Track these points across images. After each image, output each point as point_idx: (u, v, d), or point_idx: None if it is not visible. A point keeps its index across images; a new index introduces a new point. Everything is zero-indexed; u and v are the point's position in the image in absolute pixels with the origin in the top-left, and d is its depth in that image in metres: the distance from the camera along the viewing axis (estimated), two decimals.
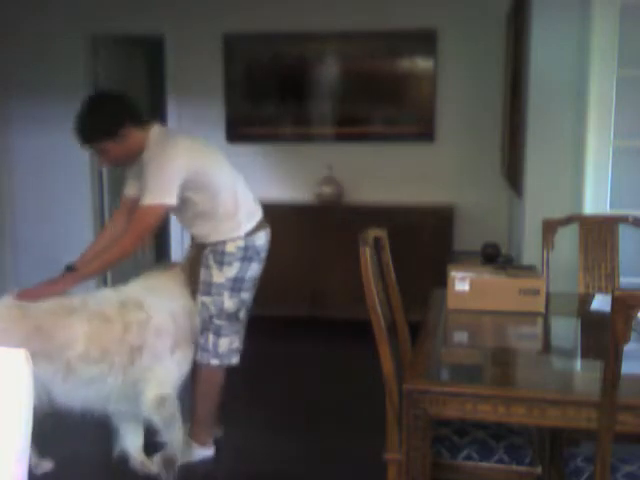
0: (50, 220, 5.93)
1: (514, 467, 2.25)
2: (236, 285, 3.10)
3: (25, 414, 1.36)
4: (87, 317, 2.83)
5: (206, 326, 3.13)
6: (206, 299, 3.11)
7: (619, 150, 3.61)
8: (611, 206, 3.59)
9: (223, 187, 3.07)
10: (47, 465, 3.07)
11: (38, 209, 5.96)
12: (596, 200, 3.59)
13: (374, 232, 2.51)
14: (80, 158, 5.81)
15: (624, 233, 3.26)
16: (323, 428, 3.62)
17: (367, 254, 2.26)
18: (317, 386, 4.26)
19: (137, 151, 3.00)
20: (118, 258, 2.94)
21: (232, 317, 3.13)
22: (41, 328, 2.74)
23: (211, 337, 3.13)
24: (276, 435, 3.53)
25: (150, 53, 6.50)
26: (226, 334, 3.13)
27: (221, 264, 3.08)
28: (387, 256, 2.66)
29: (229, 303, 3.10)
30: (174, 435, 3.01)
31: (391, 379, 2.25)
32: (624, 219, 3.24)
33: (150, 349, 2.89)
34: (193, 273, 3.17)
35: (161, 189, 2.88)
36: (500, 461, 2.26)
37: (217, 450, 3.30)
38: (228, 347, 3.15)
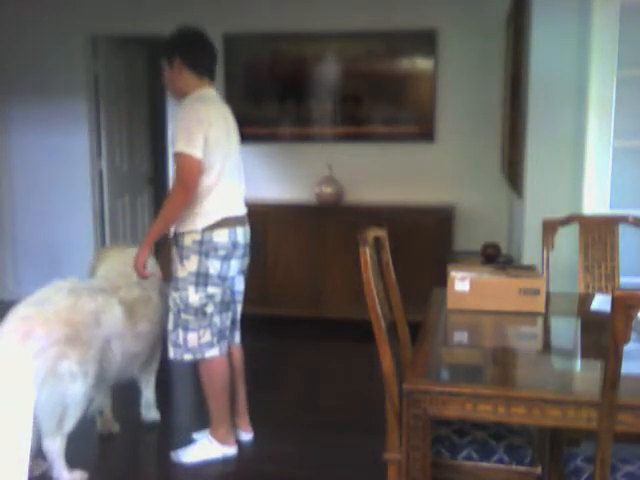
0: (50, 220, 5.94)
1: (514, 467, 2.26)
2: (200, 280, 3.10)
3: (27, 413, 1.36)
4: (135, 299, 3.26)
5: (176, 321, 3.17)
6: (174, 294, 3.16)
7: (619, 150, 3.60)
8: (611, 206, 3.59)
9: (208, 172, 3.07)
10: (44, 465, 3.08)
11: (38, 209, 5.96)
12: (596, 200, 3.59)
13: (374, 232, 2.51)
14: (80, 158, 5.83)
15: (624, 233, 3.26)
16: (323, 428, 3.62)
17: (367, 254, 2.26)
18: (317, 386, 4.26)
19: (180, 90, 3.20)
20: (171, 212, 3.04)
21: (198, 312, 3.13)
22: (132, 310, 3.21)
23: (180, 332, 3.16)
24: (274, 434, 3.53)
25: (150, 53, 6.50)
26: (194, 329, 3.14)
27: (181, 258, 3.12)
28: (387, 256, 2.66)
29: (194, 298, 3.11)
30: (151, 385, 3.57)
31: (391, 379, 2.25)
32: (624, 219, 3.24)
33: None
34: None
35: (188, 139, 2.98)
36: (500, 461, 2.26)
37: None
38: (197, 342, 3.16)
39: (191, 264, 3.09)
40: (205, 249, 3.08)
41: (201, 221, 3.08)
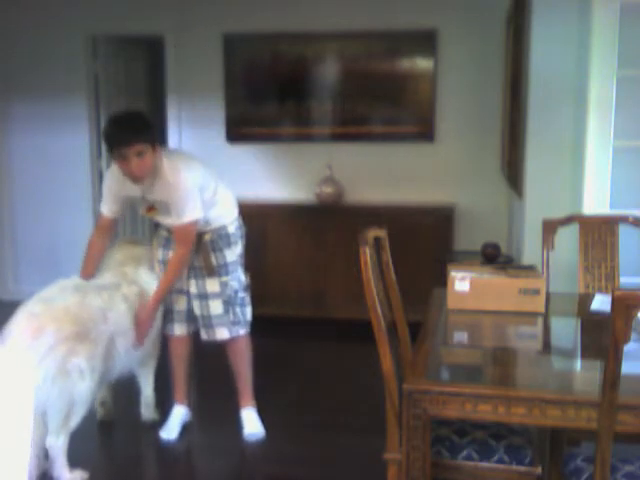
0: (50, 220, 5.94)
1: (514, 467, 2.26)
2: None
3: (27, 414, 1.36)
4: (135, 296, 3.26)
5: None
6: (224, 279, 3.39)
7: (619, 150, 3.60)
8: (611, 206, 3.59)
9: (216, 185, 3.36)
10: (45, 464, 3.07)
11: (38, 209, 5.96)
12: (596, 200, 3.59)
13: (374, 232, 2.51)
14: (80, 158, 5.83)
15: (624, 233, 3.26)
16: (323, 428, 3.62)
17: (367, 254, 2.26)
18: (317, 386, 4.26)
19: (150, 171, 3.12)
20: (178, 273, 3.30)
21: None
22: (133, 307, 3.22)
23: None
24: (274, 434, 3.53)
25: (150, 53, 6.51)
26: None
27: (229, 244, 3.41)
28: (387, 256, 2.66)
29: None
30: (150, 383, 3.58)
31: (391, 379, 2.25)
32: (624, 219, 3.25)
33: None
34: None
35: (193, 208, 3.17)
36: (500, 461, 2.26)
37: (213, 447, 3.31)
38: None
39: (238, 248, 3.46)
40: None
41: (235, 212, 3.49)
